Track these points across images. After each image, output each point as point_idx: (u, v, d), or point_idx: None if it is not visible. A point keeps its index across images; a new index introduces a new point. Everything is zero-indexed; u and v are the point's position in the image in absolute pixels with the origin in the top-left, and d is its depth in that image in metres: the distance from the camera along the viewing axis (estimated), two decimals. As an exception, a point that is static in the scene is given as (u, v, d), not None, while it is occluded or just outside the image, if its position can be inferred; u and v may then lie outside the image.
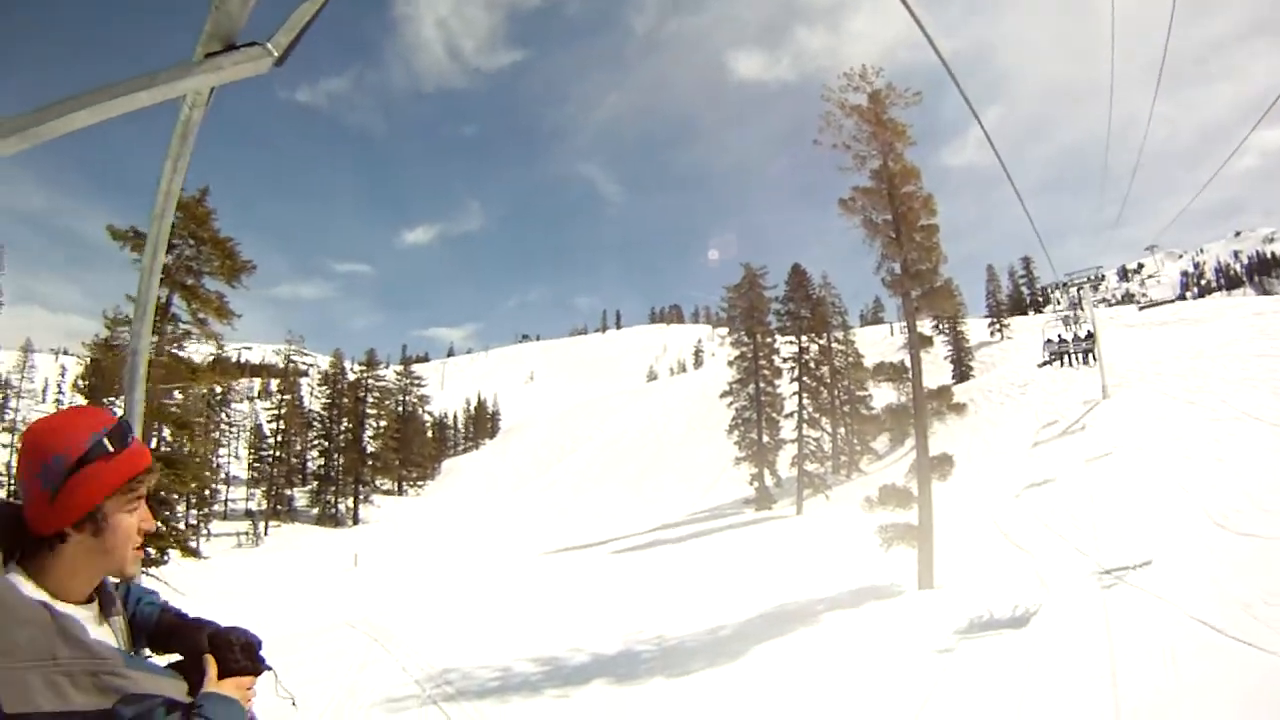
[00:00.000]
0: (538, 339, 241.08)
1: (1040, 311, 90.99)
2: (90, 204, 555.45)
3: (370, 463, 70.08)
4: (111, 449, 1.53)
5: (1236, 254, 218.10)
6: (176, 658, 1.76)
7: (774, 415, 47.59)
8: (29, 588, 1.44)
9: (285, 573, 40.66)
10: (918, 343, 18.95)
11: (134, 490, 1.57)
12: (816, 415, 46.95)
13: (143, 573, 16.30)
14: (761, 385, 48.09)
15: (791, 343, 48.07)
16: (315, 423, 71.97)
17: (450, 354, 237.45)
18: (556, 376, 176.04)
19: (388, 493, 76.70)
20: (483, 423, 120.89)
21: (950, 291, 19.45)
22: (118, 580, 1.74)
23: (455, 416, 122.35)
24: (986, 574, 16.97)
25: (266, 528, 57.10)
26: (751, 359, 48.36)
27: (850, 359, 55.27)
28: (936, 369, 69.43)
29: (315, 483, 68.27)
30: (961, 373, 66.22)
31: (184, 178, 2.51)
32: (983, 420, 47.14)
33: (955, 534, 21.20)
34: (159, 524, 16.33)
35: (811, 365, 47.67)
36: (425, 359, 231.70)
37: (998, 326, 76.33)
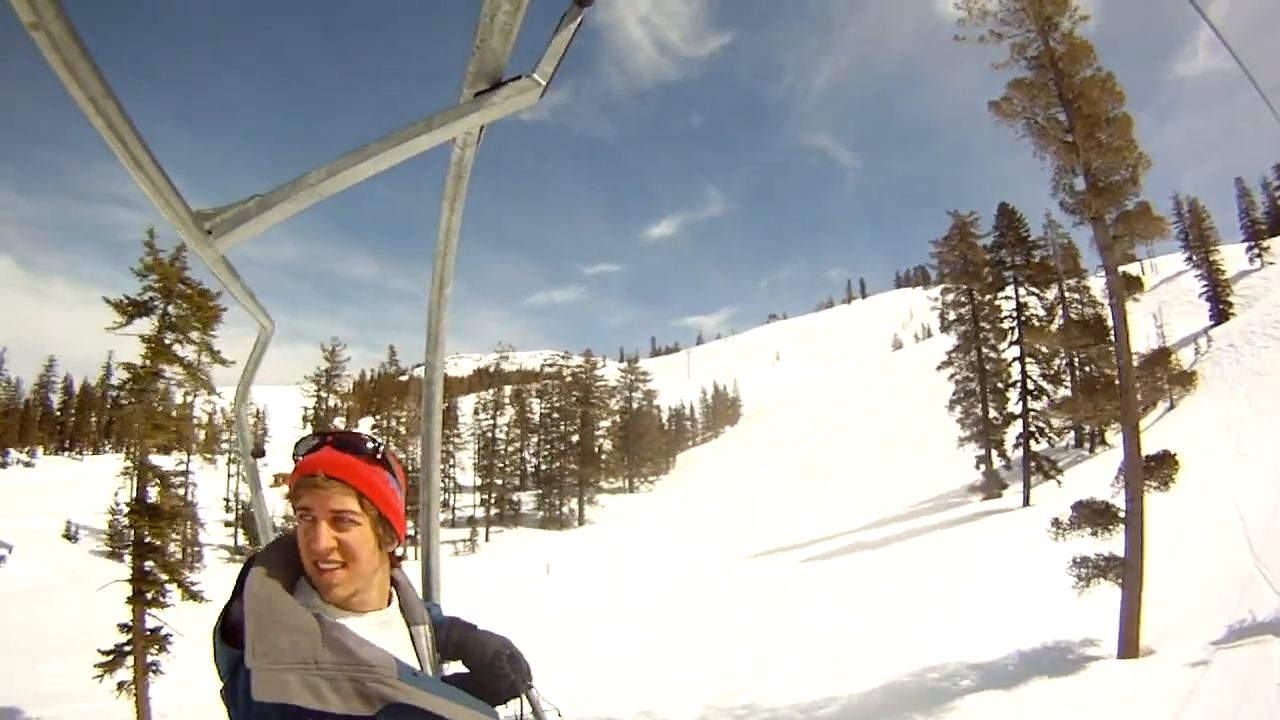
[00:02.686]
0: (784, 317, 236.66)
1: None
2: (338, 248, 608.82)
3: (593, 462, 69.61)
4: (295, 455, 1.64)
5: None
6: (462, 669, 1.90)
7: (1000, 385, 40.19)
8: (314, 600, 1.53)
9: (482, 581, 39.45)
10: (1121, 287, 13.29)
11: (298, 500, 1.56)
12: (1044, 384, 38.78)
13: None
14: (985, 351, 40.93)
15: (1009, 298, 40.27)
16: (538, 427, 73.14)
17: (699, 342, 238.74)
18: (802, 354, 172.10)
19: (618, 490, 76.65)
20: (721, 410, 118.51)
21: (1151, 211, 13.51)
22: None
23: (691, 406, 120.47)
24: (1228, 629, 12.00)
25: (488, 533, 57.48)
26: (970, 320, 41.21)
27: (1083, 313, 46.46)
28: (1190, 308, 59.55)
29: (540, 486, 68.83)
30: (1220, 312, 56.51)
31: (461, 216, 2.27)
32: (1245, 372, 38.81)
33: (1189, 562, 15.94)
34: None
35: (1036, 324, 38.56)
36: (675, 349, 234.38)
37: (1258, 251, 64.99)
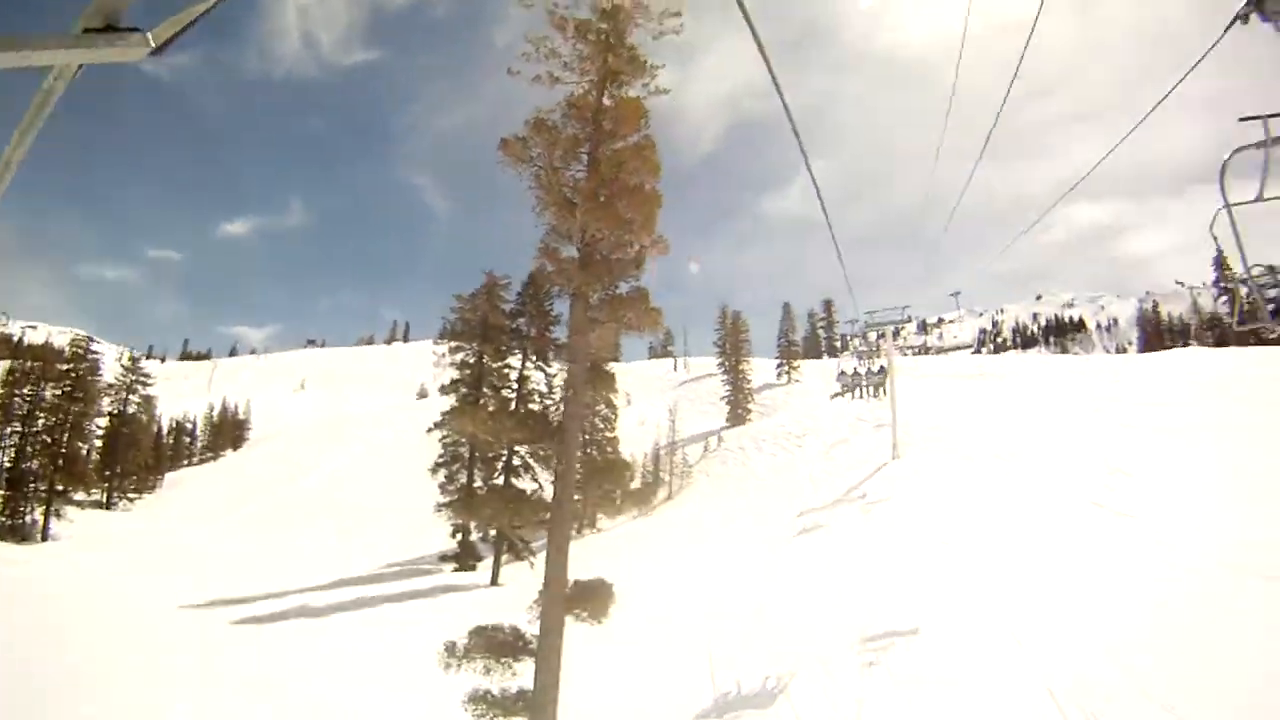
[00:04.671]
0: (323, 345, 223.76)
1: (836, 357, 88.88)
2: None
3: (71, 469, 57.41)
4: None
5: (1035, 315, 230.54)
6: None
7: (491, 456, 36.79)
8: None
9: None
10: (581, 378, 11.22)
11: None
12: (532, 462, 36.62)
13: None
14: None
15: (513, 368, 38.60)
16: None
17: (232, 353, 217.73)
18: (329, 386, 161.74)
19: (97, 504, 64.42)
20: (226, 431, 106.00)
21: (648, 299, 11.74)
22: None
23: (194, 422, 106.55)
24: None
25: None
26: (473, 384, 38.40)
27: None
28: (712, 409, 65.80)
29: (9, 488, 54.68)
30: (738, 415, 62.13)
31: (27, 150, 2.02)
32: (749, 477, 42.34)
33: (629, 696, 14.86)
34: None
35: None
36: (205, 356, 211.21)
37: (787, 368, 72.85)
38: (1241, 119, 5.73)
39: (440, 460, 38.48)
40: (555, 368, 37.47)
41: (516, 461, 34.23)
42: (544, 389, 38.36)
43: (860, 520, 23.40)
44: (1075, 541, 15.97)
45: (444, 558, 39.35)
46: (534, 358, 38.00)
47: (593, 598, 11.16)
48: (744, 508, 36.47)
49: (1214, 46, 5.54)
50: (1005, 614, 12.86)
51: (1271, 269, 6.74)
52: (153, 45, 1.42)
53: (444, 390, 38.94)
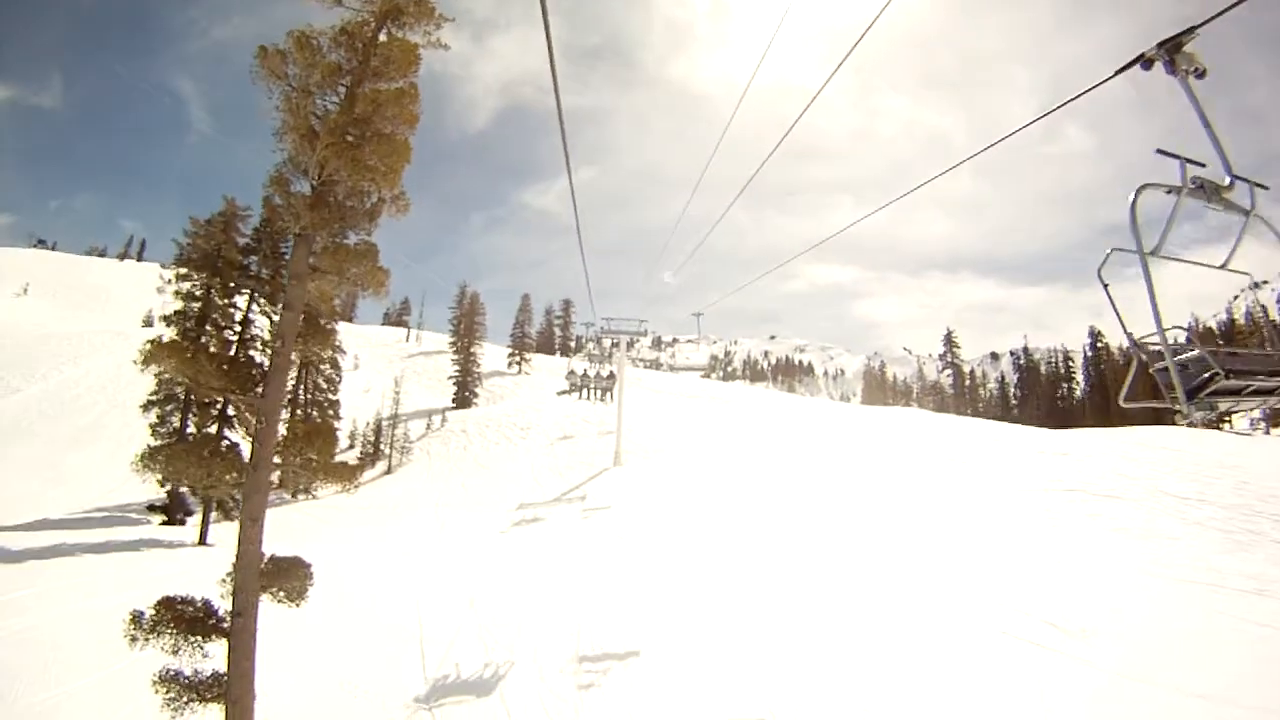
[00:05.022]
0: (54, 248, 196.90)
1: (569, 356, 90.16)
2: None
3: None
4: None
5: (767, 353, 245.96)
6: None
7: (208, 401, 32.45)
8: None
9: None
10: (293, 329, 10.03)
11: None
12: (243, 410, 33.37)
13: None
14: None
15: (237, 308, 34.83)
16: None
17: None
18: (55, 296, 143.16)
19: None
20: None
21: (376, 256, 10.71)
22: None
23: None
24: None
25: None
26: (198, 319, 33.96)
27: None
28: (439, 386, 64.61)
29: None
30: (464, 398, 61.53)
31: None
32: (470, 461, 41.62)
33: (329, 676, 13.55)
34: None
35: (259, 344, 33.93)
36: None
37: (519, 359, 73.03)
38: (1158, 151, 5.36)
39: (153, 398, 33.80)
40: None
41: (232, 412, 31.01)
42: (268, 337, 34.61)
43: (579, 524, 23.30)
44: (787, 562, 16.77)
45: (152, 508, 35.49)
46: (261, 301, 34.47)
47: (290, 577, 9.97)
48: (462, 492, 35.66)
49: (1063, 104, 5.70)
50: (724, 639, 13.04)
51: (1189, 339, 5.58)
52: None
53: (165, 320, 34.02)
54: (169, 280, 34.13)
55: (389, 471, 44.63)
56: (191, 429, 33.12)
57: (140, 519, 34.77)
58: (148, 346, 9.80)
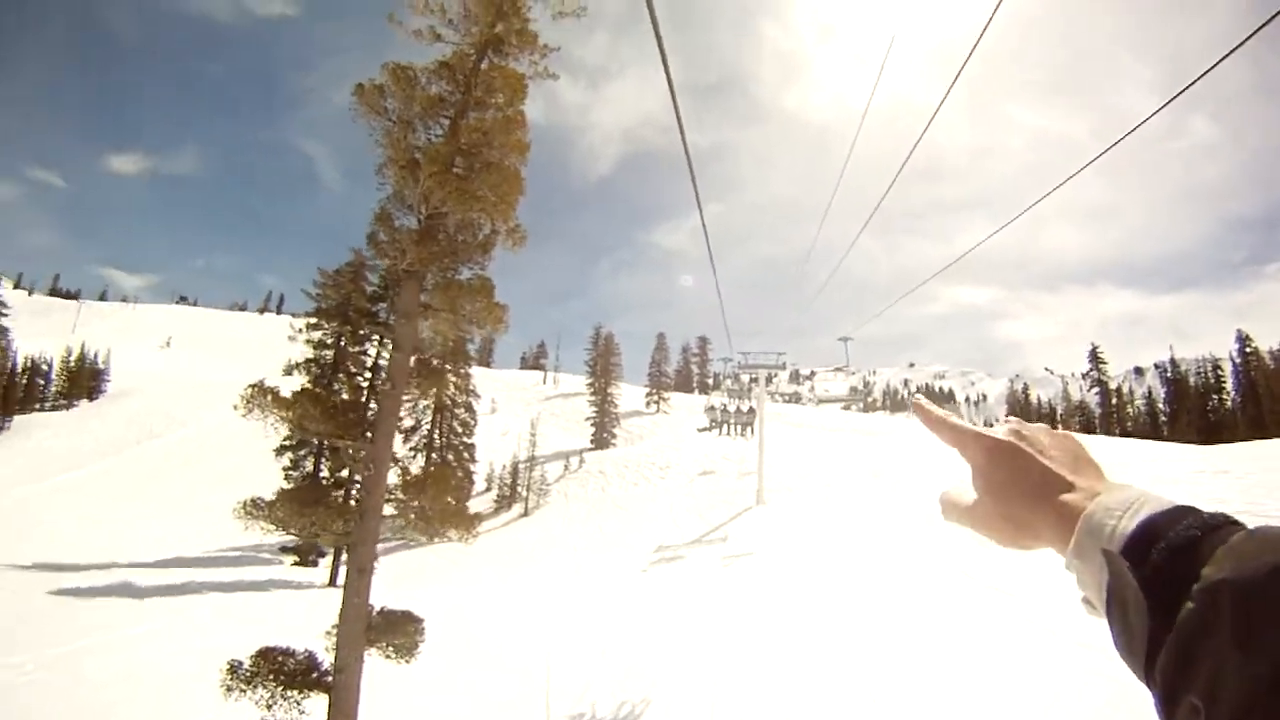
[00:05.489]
0: (195, 304, 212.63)
1: (707, 394, 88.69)
2: None
3: None
4: None
5: (906, 381, 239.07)
6: None
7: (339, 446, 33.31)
8: None
9: None
10: (404, 371, 9.52)
11: None
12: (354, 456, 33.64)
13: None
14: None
15: (366, 355, 35.76)
16: None
17: (103, 298, 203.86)
18: (196, 348, 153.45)
19: None
20: (83, 380, 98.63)
21: (491, 292, 10.09)
22: None
23: (50, 363, 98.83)
24: None
25: None
26: (331, 366, 35.36)
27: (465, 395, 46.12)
28: (576, 429, 64.24)
29: None
30: (602, 439, 60.51)
31: None
32: (609, 503, 40.94)
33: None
34: None
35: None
36: (75, 296, 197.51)
37: (657, 398, 71.93)
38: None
39: (286, 442, 33.66)
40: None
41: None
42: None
43: (719, 572, 21.91)
44: (950, 619, 14.83)
45: (285, 549, 36.34)
46: (389, 346, 35.07)
47: (399, 632, 9.46)
48: (599, 535, 35.07)
49: (1184, 89, 4.74)
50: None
51: None
52: None
53: (295, 369, 34.88)
54: (300, 330, 35.17)
55: (525, 514, 44.58)
56: (325, 473, 33.57)
57: (273, 559, 35.80)
58: (248, 391, 9.51)
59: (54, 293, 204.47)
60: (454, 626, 9.69)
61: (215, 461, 58.39)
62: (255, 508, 9.64)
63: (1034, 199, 6.70)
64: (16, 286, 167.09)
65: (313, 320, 35.66)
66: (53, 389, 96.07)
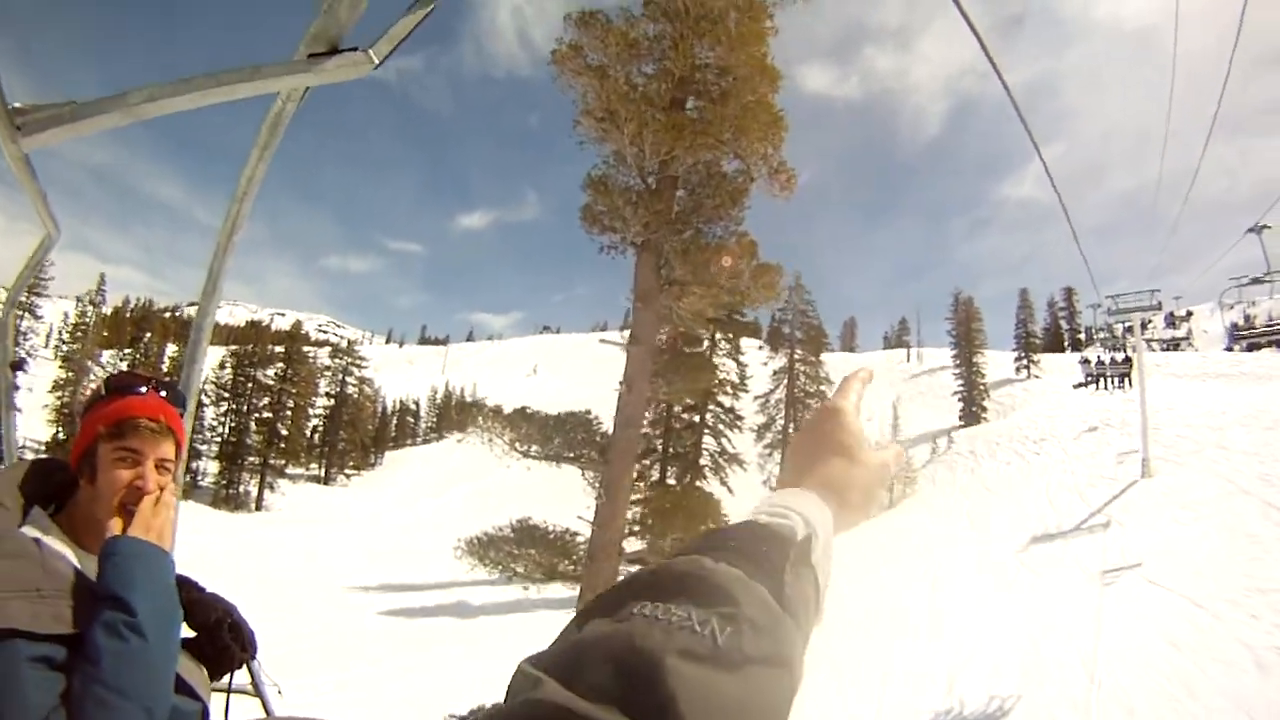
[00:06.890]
0: (557, 331, 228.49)
1: (1079, 350, 77.70)
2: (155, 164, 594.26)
3: (284, 443, 62.90)
4: (104, 394, 1.62)
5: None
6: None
7: (682, 450, 33.42)
8: (54, 531, 1.54)
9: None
10: (645, 366, 7.45)
11: (122, 439, 1.56)
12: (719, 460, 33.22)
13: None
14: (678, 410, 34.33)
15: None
16: (236, 394, 63.30)
17: (470, 338, 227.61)
18: (561, 372, 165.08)
19: (315, 479, 70.18)
20: (452, 414, 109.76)
21: (754, 250, 7.71)
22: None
23: (417, 403, 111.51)
24: None
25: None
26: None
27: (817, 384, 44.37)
28: (943, 405, 58.86)
29: (225, 460, 59.11)
30: (971, 414, 54.71)
31: (268, 166, 2.27)
32: (978, 487, 35.92)
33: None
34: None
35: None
36: (443, 342, 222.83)
37: (1026, 362, 64.15)
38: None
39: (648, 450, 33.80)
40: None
41: (704, 461, 30.69)
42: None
43: (1096, 591, 16.13)
44: None
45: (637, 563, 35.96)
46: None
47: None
48: (966, 527, 30.39)
49: None
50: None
51: None
52: (375, 61, 1.43)
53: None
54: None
55: (890, 505, 40.97)
56: (671, 481, 32.97)
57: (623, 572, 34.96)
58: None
59: (423, 341, 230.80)
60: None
61: (562, 486, 61.12)
62: (472, 546, 8.12)
63: None
64: (388, 341, 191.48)
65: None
66: (423, 425, 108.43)
